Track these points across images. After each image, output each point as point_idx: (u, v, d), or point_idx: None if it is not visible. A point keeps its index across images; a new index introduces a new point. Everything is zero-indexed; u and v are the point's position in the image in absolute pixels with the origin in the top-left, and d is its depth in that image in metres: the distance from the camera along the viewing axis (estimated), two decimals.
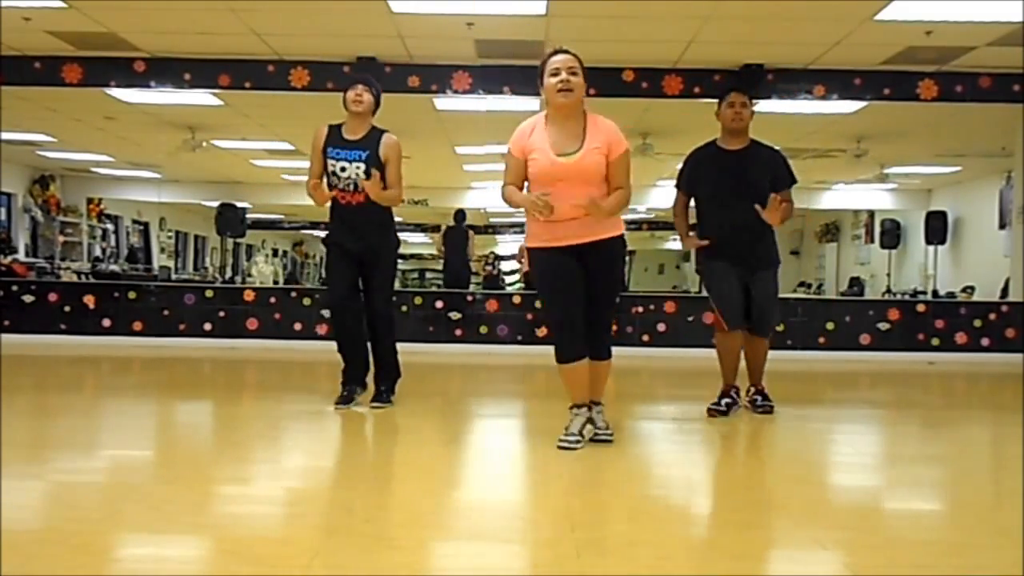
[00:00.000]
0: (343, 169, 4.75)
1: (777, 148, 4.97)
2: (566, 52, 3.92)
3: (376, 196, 4.72)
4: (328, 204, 4.89)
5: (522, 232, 22.84)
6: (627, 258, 4.21)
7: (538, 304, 4.14)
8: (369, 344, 5.02)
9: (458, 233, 12.31)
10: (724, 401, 4.88)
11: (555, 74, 3.85)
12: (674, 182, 5.02)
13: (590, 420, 4.00)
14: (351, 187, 4.77)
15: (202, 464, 3.68)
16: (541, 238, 3.95)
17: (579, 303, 3.91)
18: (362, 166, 4.72)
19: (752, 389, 5.04)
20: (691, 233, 4.93)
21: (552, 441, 4.10)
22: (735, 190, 4.70)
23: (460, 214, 12.63)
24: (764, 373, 5.07)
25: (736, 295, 4.81)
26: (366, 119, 4.84)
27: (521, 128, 4.01)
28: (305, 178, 5.03)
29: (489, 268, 19.07)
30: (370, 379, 5.11)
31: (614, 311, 4.17)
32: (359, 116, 4.80)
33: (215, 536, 2.60)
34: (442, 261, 12.80)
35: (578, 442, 3.88)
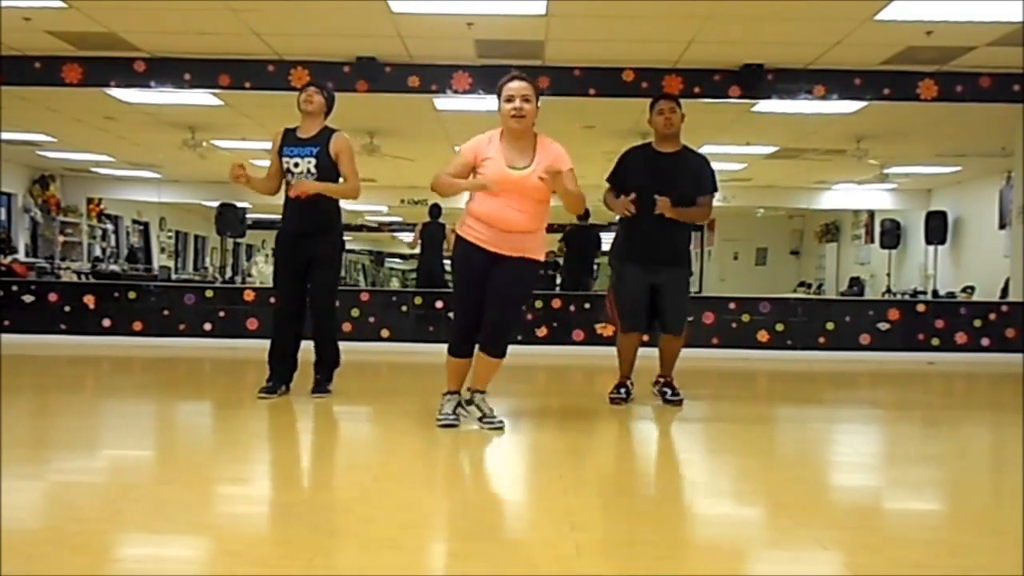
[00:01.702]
0: (296, 165, 5.09)
1: (706, 156, 5.28)
2: (522, 79, 4.25)
3: (323, 190, 5.05)
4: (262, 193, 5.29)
5: None
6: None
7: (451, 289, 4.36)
8: (313, 341, 5.28)
9: (435, 228, 11.85)
10: (622, 390, 5.24)
11: (510, 100, 4.19)
12: (607, 177, 5.27)
13: (461, 403, 4.39)
14: (293, 195, 5.09)
15: (202, 464, 3.68)
16: (474, 234, 4.26)
17: (480, 306, 4.26)
18: (313, 161, 5.06)
19: (661, 380, 5.31)
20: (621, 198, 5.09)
21: (552, 441, 4.11)
22: (659, 191, 4.95)
23: (435, 209, 12.10)
24: (673, 367, 5.29)
25: (639, 300, 5.13)
26: (318, 119, 5.18)
27: (480, 137, 4.33)
28: None
29: None
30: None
31: (520, 319, 4.39)
32: (310, 116, 5.15)
33: (215, 536, 2.60)
34: (418, 259, 12.48)
35: (455, 421, 4.29)
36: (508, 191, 4.16)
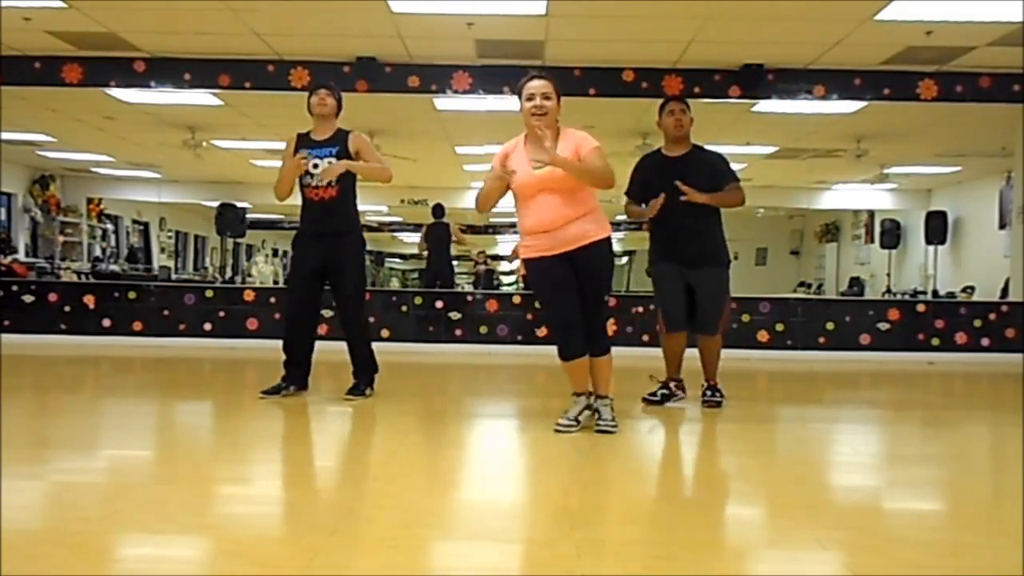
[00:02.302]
0: (316, 167, 5.06)
1: (719, 152, 5.29)
2: (542, 78, 4.28)
3: (354, 168, 5.03)
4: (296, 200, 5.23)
5: None
6: (616, 259, 4.55)
7: (537, 305, 4.36)
8: (346, 345, 5.29)
9: (440, 229, 11.72)
10: (661, 392, 5.23)
11: (530, 99, 4.21)
12: (625, 191, 5.28)
13: (588, 407, 4.34)
14: (324, 183, 5.05)
15: (202, 464, 3.68)
16: (534, 249, 4.27)
17: (575, 304, 4.24)
18: (334, 161, 5.04)
19: (704, 384, 5.29)
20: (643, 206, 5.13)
21: (553, 441, 4.11)
22: (679, 193, 4.95)
23: (438, 209, 11.97)
24: (718, 369, 5.27)
25: (678, 298, 5.15)
26: (331, 121, 5.18)
27: (504, 147, 4.37)
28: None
29: (481, 267, 19.06)
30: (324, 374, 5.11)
31: (606, 309, 4.45)
32: (324, 119, 5.15)
33: (215, 536, 2.60)
34: (425, 259, 12.40)
35: (571, 426, 4.24)
36: (540, 192, 4.17)
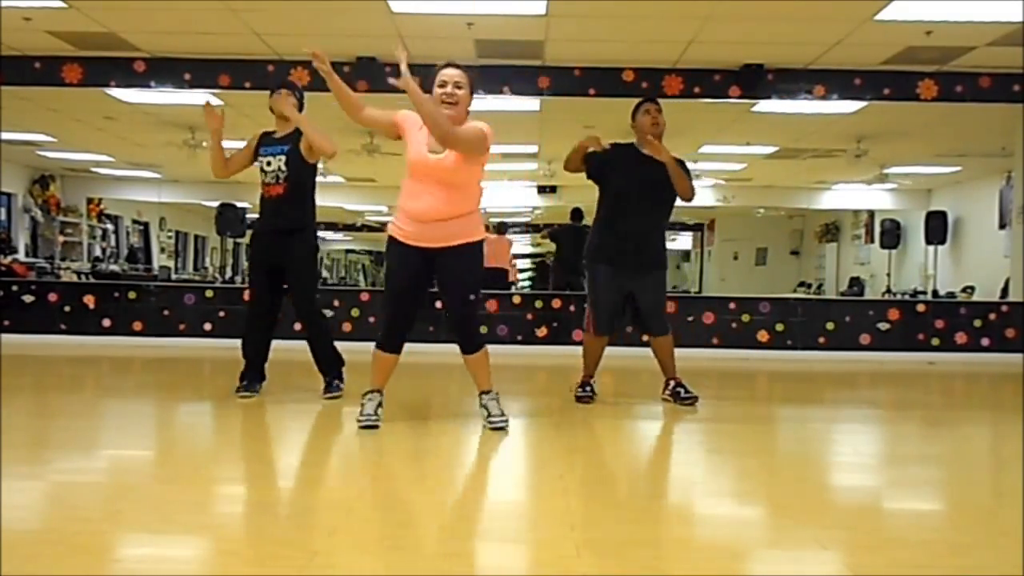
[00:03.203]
0: (269, 163, 5.20)
1: (681, 159, 5.27)
2: (456, 67, 4.29)
3: (302, 127, 5.06)
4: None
5: (525, 232, 22.73)
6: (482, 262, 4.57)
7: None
8: (308, 344, 5.35)
9: None
10: (588, 388, 5.26)
11: (443, 85, 4.23)
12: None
13: (381, 404, 4.35)
14: (274, 179, 5.16)
15: (202, 464, 3.68)
16: (401, 231, 4.26)
17: (415, 303, 4.31)
18: (284, 159, 5.14)
19: (671, 383, 5.28)
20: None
21: (553, 442, 4.11)
22: (641, 193, 5.02)
23: None
24: (675, 365, 5.29)
25: (612, 304, 5.15)
26: (289, 120, 5.25)
27: (408, 112, 4.33)
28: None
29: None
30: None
31: (475, 308, 4.43)
32: (281, 117, 5.26)
33: (215, 536, 2.60)
34: None
35: (376, 422, 4.25)
36: (427, 177, 4.17)
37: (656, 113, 5.14)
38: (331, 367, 5.32)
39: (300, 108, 5.28)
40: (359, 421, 4.28)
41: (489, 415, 4.33)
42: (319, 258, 5.51)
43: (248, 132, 11.23)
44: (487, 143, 4.23)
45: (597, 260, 5.20)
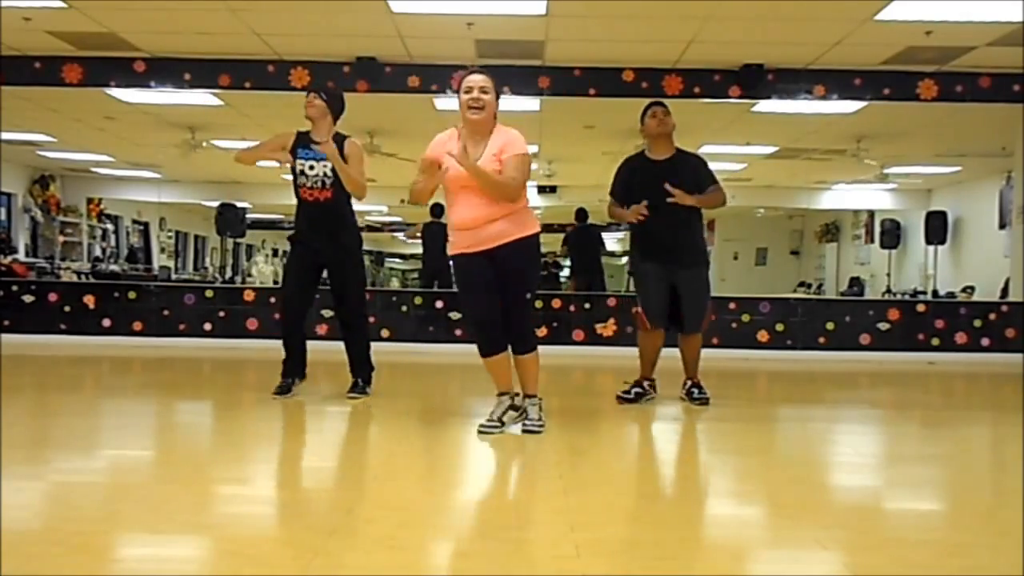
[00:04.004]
0: (311, 168, 5.13)
1: (698, 154, 5.37)
2: (481, 72, 4.31)
3: (339, 167, 5.04)
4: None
5: None
6: (541, 258, 4.57)
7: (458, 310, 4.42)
8: (343, 342, 5.33)
9: (437, 228, 11.41)
10: (635, 391, 5.26)
11: (468, 91, 4.23)
12: (609, 191, 5.37)
13: (513, 407, 4.34)
14: (319, 184, 5.11)
15: (202, 464, 3.68)
16: (458, 246, 4.30)
17: (492, 303, 4.26)
18: (328, 165, 5.08)
19: (688, 382, 5.35)
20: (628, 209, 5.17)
21: (552, 441, 4.10)
22: (661, 197, 5.02)
23: (438, 208, 11.66)
24: (699, 366, 5.33)
25: (661, 297, 5.21)
26: (325, 122, 5.18)
27: (440, 135, 4.39)
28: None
29: None
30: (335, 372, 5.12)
31: (531, 308, 4.44)
32: (314, 121, 5.18)
33: (215, 536, 2.60)
34: (421, 258, 12.30)
35: (495, 427, 4.22)
36: (465, 188, 4.18)
37: (663, 116, 5.19)
38: (362, 369, 5.32)
39: (337, 109, 5.24)
40: (481, 428, 4.22)
41: (527, 418, 4.30)
42: (363, 255, 5.49)
43: (248, 132, 11.20)
44: (529, 158, 4.30)
45: (642, 260, 5.29)
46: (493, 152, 4.20)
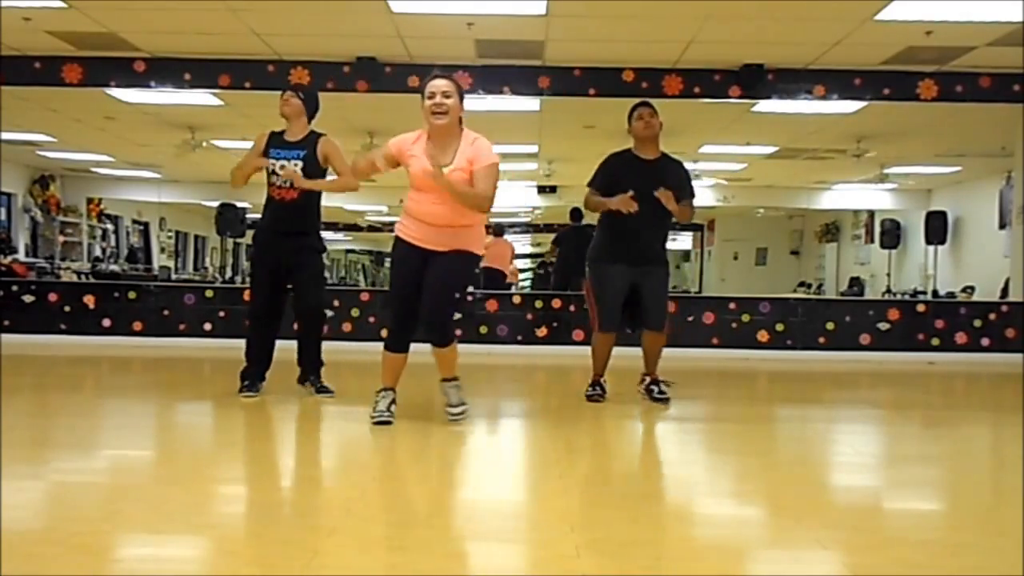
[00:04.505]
0: (283, 167, 5.13)
1: (682, 162, 5.41)
2: (444, 77, 4.36)
3: (323, 187, 5.17)
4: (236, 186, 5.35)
5: (525, 232, 22.74)
6: (474, 278, 4.64)
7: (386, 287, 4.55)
8: (297, 340, 5.36)
9: None
10: (598, 388, 5.34)
11: (431, 97, 4.29)
12: (588, 181, 5.38)
13: (394, 401, 4.48)
14: (288, 183, 5.10)
15: (202, 464, 3.68)
16: (407, 232, 4.39)
17: (416, 302, 4.35)
18: (300, 163, 5.09)
19: (647, 378, 5.36)
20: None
21: (552, 441, 4.10)
22: (643, 195, 5.03)
23: None
24: (657, 364, 5.36)
25: (618, 300, 5.24)
26: (300, 121, 5.22)
27: (406, 135, 4.47)
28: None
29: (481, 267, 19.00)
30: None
31: (452, 309, 4.55)
32: (290, 119, 5.22)
33: (215, 536, 2.60)
34: None
35: (387, 417, 4.37)
36: (432, 188, 4.24)
37: (649, 117, 5.21)
38: (315, 367, 5.35)
39: (312, 109, 5.28)
40: (372, 418, 4.35)
41: (449, 403, 4.50)
42: (323, 259, 5.51)
43: (248, 132, 11.20)
44: (498, 167, 4.38)
45: (601, 259, 5.29)
46: (462, 164, 4.27)
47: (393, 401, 4.47)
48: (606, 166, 5.32)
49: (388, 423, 4.33)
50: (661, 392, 5.28)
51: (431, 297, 4.34)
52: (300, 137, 5.19)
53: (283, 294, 5.30)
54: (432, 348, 4.48)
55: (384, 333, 8.86)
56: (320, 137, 5.21)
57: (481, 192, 4.27)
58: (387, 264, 31.62)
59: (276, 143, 5.23)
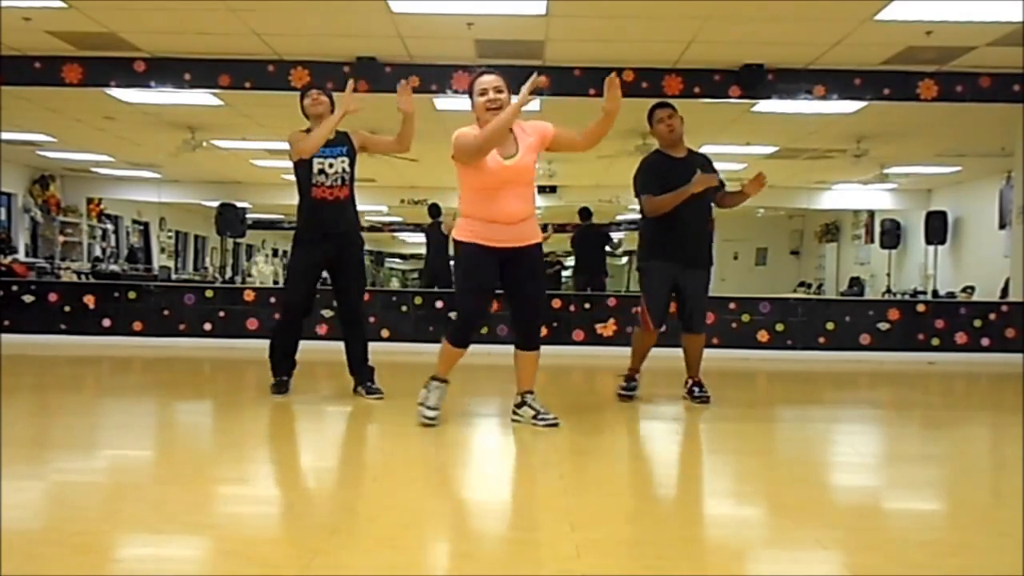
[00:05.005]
0: (330, 166, 5.12)
1: (705, 154, 5.45)
2: (491, 72, 4.41)
3: (370, 141, 5.23)
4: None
5: None
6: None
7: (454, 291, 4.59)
8: (344, 342, 5.35)
9: (436, 229, 11.53)
10: (632, 383, 5.42)
11: (483, 94, 4.33)
12: (635, 191, 5.33)
13: (525, 404, 4.50)
14: (338, 182, 5.11)
15: (202, 464, 3.68)
16: (478, 235, 4.34)
17: (490, 302, 4.47)
18: (346, 160, 5.13)
19: (690, 381, 5.39)
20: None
21: (553, 441, 4.10)
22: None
23: (434, 209, 11.80)
24: (700, 367, 5.39)
25: (666, 300, 5.27)
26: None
27: (464, 132, 4.40)
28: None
29: None
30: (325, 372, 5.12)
31: (545, 307, 4.46)
32: (320, 118, 5.13)
33: (215, 536, 2.60)
34: (424, 259, 12.35)
35: (436, 415, 4.39)
36: (506, 181, 4.26)
37: (669, 120, 5.22)
38: (365, 368, 5.35)
39: (332, 107, 5.23)
40: (421, 414, 4.39)
41: (537, 414, 4.44)
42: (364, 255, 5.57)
43: (248, 132, 11.18)
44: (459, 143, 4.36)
45: (652, 257, 5.32)
46: (528, 144, 4.34)
47: (444, 394, 4.50)
48: (650, 169, 5.29)
49: (433, 426, 4.33)
50: (702, 392, 5.31)
51: (531, 304, 4.43)
52: (334, 135, 5.14)
53: (315, 291, 5.32)
54: (522, 355, 4.51)
55: (385, 333, 8.85)
56: (348, 132, 5.22)
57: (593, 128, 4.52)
58: (387, 264, 31.67)
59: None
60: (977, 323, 8.96)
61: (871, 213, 17.09)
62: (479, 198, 4.32)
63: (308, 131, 5.17)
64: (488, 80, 4.33)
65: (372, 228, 23.73)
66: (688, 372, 5.39)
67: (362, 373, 5.32)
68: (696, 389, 5.33)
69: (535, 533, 2.70)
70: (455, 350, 4.45)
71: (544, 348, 4.58)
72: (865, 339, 8.94)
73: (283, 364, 5.32)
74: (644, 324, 5.34)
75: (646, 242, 5.39)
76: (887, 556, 2.48)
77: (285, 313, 5.40)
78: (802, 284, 18.69)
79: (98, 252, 16.86)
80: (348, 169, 5.12)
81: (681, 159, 5.22)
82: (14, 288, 9.00)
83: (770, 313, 8.98)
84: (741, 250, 20.15)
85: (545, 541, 2.59)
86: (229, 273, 18.68)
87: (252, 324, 8.76)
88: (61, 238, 15.74)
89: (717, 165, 5.42)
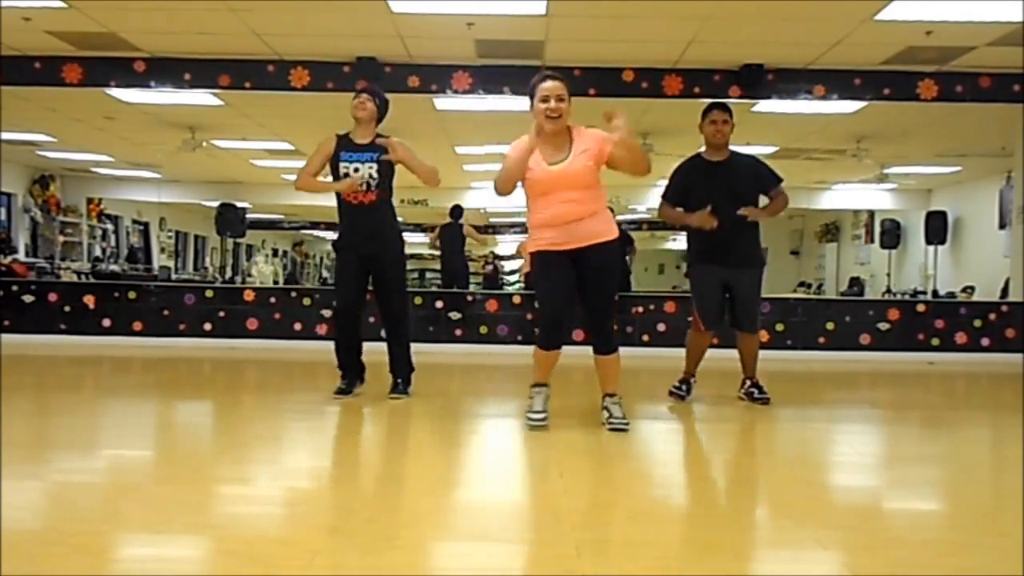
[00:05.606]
0: (356, 170, 5.12)
1: (752, 155, 5.45)
2: (556, 79, 4.35)
3: (405, 158, 5.09)
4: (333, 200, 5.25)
5: (524, 232, 22.88)
6: (626, 258, 4.62)
7: (536, 304, 4.56)
8: (387, 343, 5.39)
9: (455, 229, 11.82)
10: (684, 387, 5.44)
11: (545, 100, 4.26)
12: (662, 193, 5.38)
13: (606, 408, 4.43)
14: (364, 187, 5.10)
15: (202, 464, 3.68)
16: (544, 242, 4.35)
17: (568, 302, 4.38)
18: (374, 166, 5.10)
19: (747, 382, 5.42)
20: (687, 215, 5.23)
21: (553, 441, 4.10)
22: (724, 198, 5.08)
23: (456, 210, 12.05)
24: (757, 366, 5.40)
25: (716, 299, 5.28)
26: (370, 125, 5.21)
27: (519, 141, 4.36)
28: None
29: (489, 268, 19.09)
30: (375, 373, 5.13)
31: (614, 308, 4.56)
32: (362, 123, 5.17)
33: (215, 536, 2.60)
34: (440, 260, 12.47)
35: (544, 418, 4.38)
36: (554, 187, 4.26)
37: (722, 124, 5.19)
38: (403, 369, 5.38)
39: (380, 112, 5.24)
40: (529, 419, 4.38)
41: (612, 416, 4.39)
42: (405, 255, 5.49)
43: (248, 132, 11.17)
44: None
45: (698, 261, 5.35)
46: (582, 150, 4.26)
47: (547, 397, 4.49)
48: (676, 176, 5.32)
49: (543, 428, 4.32)
50: (761, 392, 5.34)
51: (598, 305, 4.41)
52: (369, 140, 5.16)
53: (365, 291, 5.32)
54: (597, 358, 4.47)
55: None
56: (387, 139, 5.17)
57: (641, 154, 4.38)
58: None
59: (345, 146, 5.18)
60: (977, 323, 8.96)
61: (871, 213, 17.10)
62: (536, 206, 4.37)
63: (345, 135, 5.20)
64: (551, 87, 4.29)
65: None
66: (744, 372, 5.42)
67: (396, 373, 5.36)
68: (755, 391, 5.36)
69: (535, 533, 2.70)
70: (544, 354, 4.45)
71: None
72: (865, 339, 8.94)
73: (349, 368, 5.33)
74: (695, 324, 5.39)
75: (691, 243, 5.42)
76: (887, 556, 2.48)
77: (334, 317, 5.49)
78: (802, 284, 18.70)
79: (98, 252, 16.87)
80: (375, 175, 5.09)
81: (719, 163, 5.22)
82: (14, 288, 9.00)
83: (770, 313, 8.98)
84: None
85: (545, 541, 2.59)
86: (229, 273, 18.68)
87: (252, 324, 8.76)
88: (61, 238, 15.75)
89: None
